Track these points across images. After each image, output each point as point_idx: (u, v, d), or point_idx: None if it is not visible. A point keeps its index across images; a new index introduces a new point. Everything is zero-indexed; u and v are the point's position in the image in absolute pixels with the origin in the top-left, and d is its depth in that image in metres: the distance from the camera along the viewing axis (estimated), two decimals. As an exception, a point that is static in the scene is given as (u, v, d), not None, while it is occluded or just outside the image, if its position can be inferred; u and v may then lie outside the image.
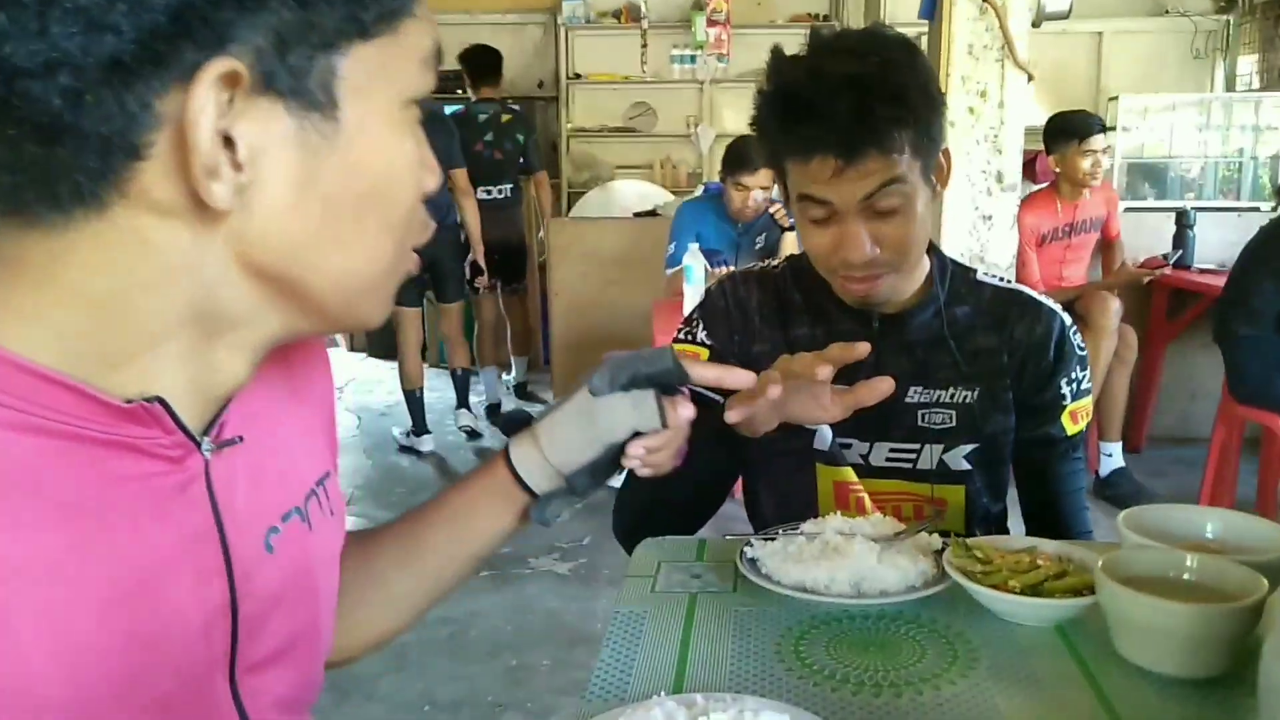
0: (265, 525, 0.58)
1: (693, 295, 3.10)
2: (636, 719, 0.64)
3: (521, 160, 4.57)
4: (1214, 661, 0.73)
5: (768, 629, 0.84)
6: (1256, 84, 5.83)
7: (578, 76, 6.26)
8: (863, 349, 0.96)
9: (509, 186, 4.55)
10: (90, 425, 0.47)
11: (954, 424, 1.16)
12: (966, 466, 1.17)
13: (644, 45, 5.81)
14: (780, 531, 0.97)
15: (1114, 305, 3.52)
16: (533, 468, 0.77)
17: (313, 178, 0.48)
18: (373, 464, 4.10)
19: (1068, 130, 3.56)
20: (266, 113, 0.46)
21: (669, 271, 3.51)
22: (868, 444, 1.17)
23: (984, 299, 1.19)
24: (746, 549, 0.94)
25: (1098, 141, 3.55)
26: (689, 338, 1.24)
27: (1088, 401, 1.21)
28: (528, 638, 2.60)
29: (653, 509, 1.16)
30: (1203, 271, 3.80)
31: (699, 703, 0.65)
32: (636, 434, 0.75)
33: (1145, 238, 4.12)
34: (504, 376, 4.95)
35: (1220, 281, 3.16)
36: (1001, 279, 1.22)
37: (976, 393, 1.16)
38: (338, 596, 0.74)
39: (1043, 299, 1.21)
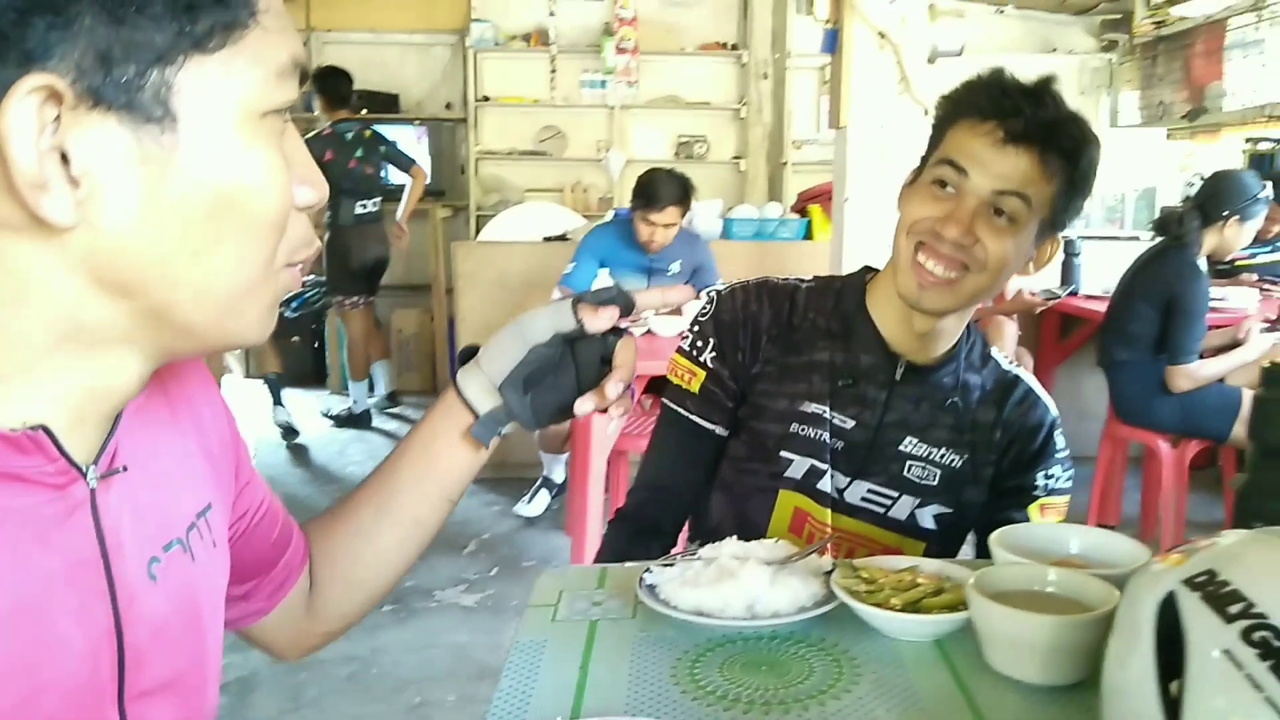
0: (148, 554, 0.58)
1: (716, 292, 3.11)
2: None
3: (390, 166, 4.93)
4: (1073, 668, 0.78)
5: (665, 653, 0.87)
6: (1138, 120, 6.19)
7: (486, 99, 6.26)
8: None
9: (379, 199, 4.85)
10: None
11: (936, 483, 1.20)
12: (933, 526, 1.21)
13: (553, 70, 5.87)
14: (679, 558, 1.00)
15: (1010, 330, 3.69)
16: (475, 388, 0.81)
17: (157, 190, 0.48)
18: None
19: None
20: (99, 127, 0.46)
21: (556, 293, 3.54)
22: (848, 479, 1.20)
23: (993, 374, 1.24)
24: (645, 575, 0.97)
25: None
26: (694, 355, 1.25)
27: (1060, 502, 1.24)
28: (432, 673, 2.56)
29: (640, 538, 1.24)
30: (1089, 298, 4.00)
31: None
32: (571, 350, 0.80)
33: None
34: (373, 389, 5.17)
35: (1104, 307, 3.33)
36: (1011, 361, 1.28)
37: (964, 459, 1.20)
38: (323, 566, 0.81)
39: (1043, 392, 1.26)
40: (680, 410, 1.26)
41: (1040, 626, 0.78)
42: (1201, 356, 2.95)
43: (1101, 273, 4.10)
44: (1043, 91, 1.11)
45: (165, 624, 0.59)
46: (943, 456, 1.20)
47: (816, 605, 0.91)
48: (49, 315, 0.49)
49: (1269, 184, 3.12)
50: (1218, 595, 0.59)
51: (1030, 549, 0.93)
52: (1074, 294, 4.04)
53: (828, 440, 1.20)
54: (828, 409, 1.20)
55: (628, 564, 1.08)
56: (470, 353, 0.83)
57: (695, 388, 1.24)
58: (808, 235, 4.21)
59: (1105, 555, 0.93)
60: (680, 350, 1.27)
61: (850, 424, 1.19)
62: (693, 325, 1.27)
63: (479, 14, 6.10)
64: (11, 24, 0.43)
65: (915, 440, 1.20)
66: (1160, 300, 2.95)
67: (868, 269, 1.26)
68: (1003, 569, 0.89)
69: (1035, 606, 0.81)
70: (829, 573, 0.96)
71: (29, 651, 0.50)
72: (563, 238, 4.31)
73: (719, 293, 1.27)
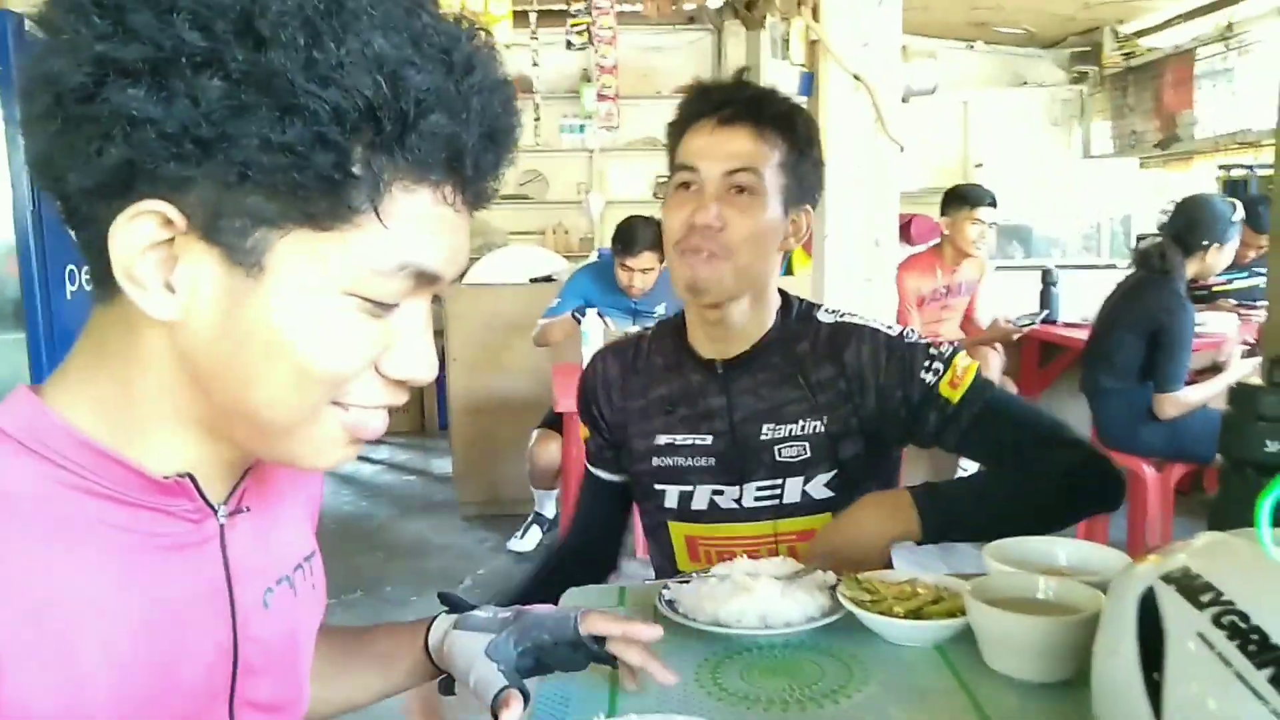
0: (264, 585, 0.68)
1: (590, 357, 3.19)
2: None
3: None
4: (1065, 666, 0.85)
5: (687, 660, 0.93)
6: (1111, 150, 6.37)
7: (471, 145, 6.37)
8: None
9: None
10: (133, 492, 0.58)
11: (809, 454, 1.24)
12: (829, 494, 1.24)
13: (536, 117, 5.99)
14: (694, 575, 1.07)
15: (996, 360, 3.79)
16: (461, 658, 0.84)
17: (231, 319, 0.54)
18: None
19: (961, 198, 3.86)
20: (201, 254, 0.53)
21: (542, 320, 3.61)
22: (738, 488, 1.26)
23: (821, 334, 1.26)
24: (664, 591, 1.03)
25: (985, 213, 3.83)
26: (585, 419, 1.38)
27: (956, 363, 1.22)
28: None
29: (561, 562, 1.35)
30: (1068, 325, 4.11)
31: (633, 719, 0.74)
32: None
33: (1013, 295, 4.45)
34: None
35: (1084, 334, 3.42)
36: (839, 313, 1.30)
37: (825, 421, 1.23)
38: None
39: (867, 322, 1.27)
40: (586, 463, 1.41)
41: (1035, 628, 0.85)
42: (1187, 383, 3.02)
43: (1079, 301, 4.22)
44: (741, 80, 1.24)
45: (271, 647, 0.68)
46: (802, 428, 1.24)
47: (824, 615, 0.98)
48: (159, 387, 0.58)
49: (1237, 204, 3.22)
50: (1191, 587, 0.66)
51: (1021, 560, 1.00)
52: (1050, 321, 4.15)
53: (690, 463, 1.27)
54: (678, 437, 1.28)
55: (646, 582, 1.14)
56: (452, 602, 0.90)
57: (585, 440, 1.40)
58: (788, 270, 4.30)
59: (1090, 564, 1.00)
60: (584, 422, 1.41)
61: (709, 439, 1.26)
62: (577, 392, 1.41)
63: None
64: (154, 160, 0.50)
65: (771, 425, 1.25)
66: (1145, 331, 3.00)
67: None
68: (997, 578, 0.96)
69: (1028, 612, 0.88)
70: (834, 586, 1.02)
71: (168, 654, 0.60)
72: (548, 279, 4.38)
73: (584, 370, 1.42)
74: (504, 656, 0.81)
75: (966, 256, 3.89)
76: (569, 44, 5.39)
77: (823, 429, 1.24)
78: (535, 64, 5.59)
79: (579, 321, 3.44)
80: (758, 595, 0.98)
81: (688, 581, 1.05)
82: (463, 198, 0.58)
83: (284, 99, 0.49)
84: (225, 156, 0.50)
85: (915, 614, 0.95)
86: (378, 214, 0.54)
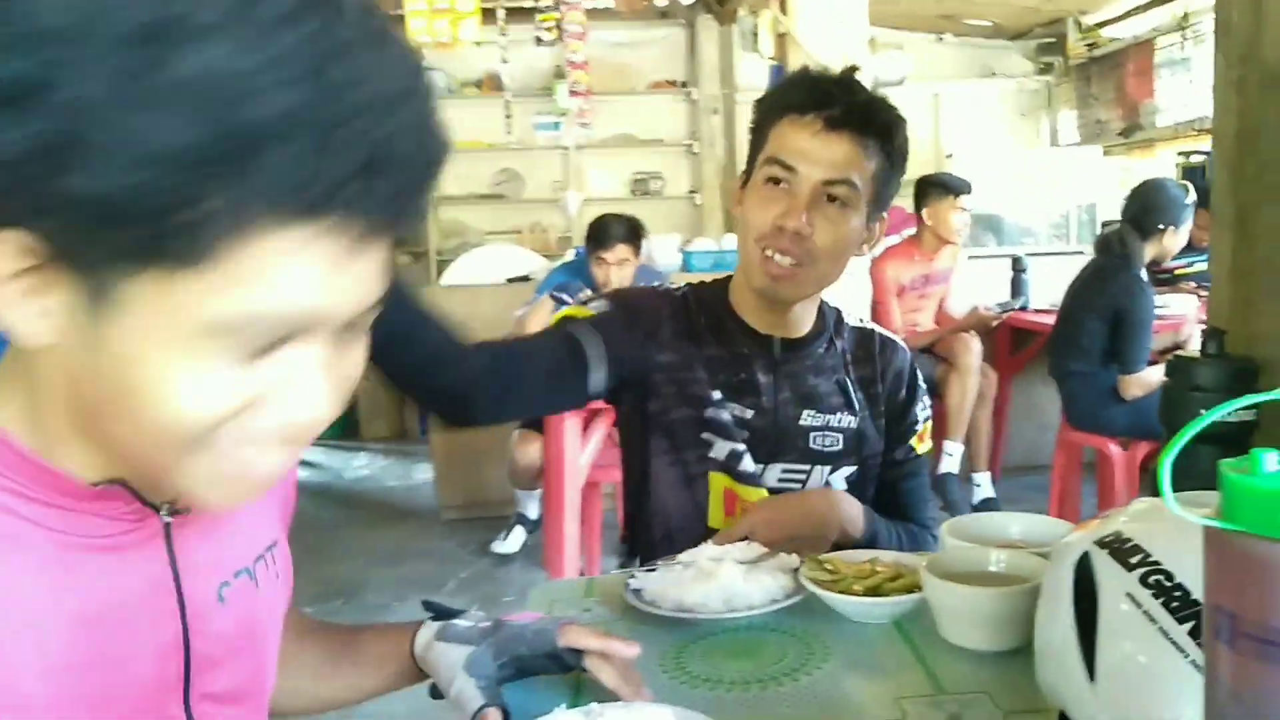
0: (219, 579, 0.68)
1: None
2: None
3: None
4: (1015, 634, 0.88)
5: (653, 647, 0.95)
6: (1077, 139, 6.45)
7: (444, 145, 6.38)
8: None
9: None
10: (66, 498, 0.58)
11: (840, 447, 1.27)
12: (844, 487, 1.27)
13: (508, 115, 6.00)
14: (659, 563, 1.09)
15: (975, 346, 3.83)
16: (444, 668, 0.85)
17: (93, 351, 0.51)
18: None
19: (943, 187, 3.87)
20: (66, 284, 0.49)
21: (519, 311, 3.58)
22: (761, 465, 1.25)
23: (853, 336, 1.33)
24: (630, 581, 1.06)
25: (967, 200, 3.87)
26: (584, 304, 1.29)
27: (927, 427, 1.36)
28: (419, 709, 2.56)
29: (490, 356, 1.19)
30: (1038, 311, 4.17)
31: (595, 709, 0.76)
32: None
33: (985, 282, 4.50)
34: None
35: (1052, 320, 3.48)
36: (859, 319, 1.37)
37: (859, 419, 1.28)
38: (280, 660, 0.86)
39: (892, 335, 1.36)
40: (562, 326, 1.25)
41: (983, 598, 0.89)
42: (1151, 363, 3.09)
43: (1049, 287, 4.27)
44: (851, 80, 1.21)
45: (231, 640, 0.68)
46: (839, 421, 1.27)
47: (787, 597, 1.00)
48: (66, 404, 0.56)
49: (1190, 187, 3.29)
50: (1122, 550, 0.69)
51: (977, 535, 1.03)
52: (1024, 308, 4.21)
53: (735, 427, 1.25)
54: (725, 400, 1.25)
55: (613, 573, 1.16)
56: (438, 610, 0.90)
57: (582, 316, 1.25)
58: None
59: (1041, 535, 1.03)
60: (561, 303, 1.33)
61: (749, 413, 1.25)
62: (589, 295, 1.34)
63: (430, 63, 6.22)
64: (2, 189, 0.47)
65: (813, 412, 1.26)
66: (1108, 314, 3.08)
67: (729, 276, 1.33)
68: (952, 553, 0.99)
69: (982, 584, 0.91)
70: (796, 569, 1.05)
71: (109, 650, 0.60)
72: (525, 279, 4.39)
73: (621, 289, 1.37)
74: (483, 671, 0.81)
75: (946, 244, 3.92)
76: (538, 40, 5.39)
77: (855, 425, 1.28)
78: (504, 60, 5.59)
79: (558, 303, 3.43)
80: (722, 579, 1.01)
81: (654, 570, 1.07)
82: (359, 231, 0.49)
83: (101, 134, 0.44)
84: (53, 194, 0.45)
85: (874, 591, 0.98)
86: (233, 253, 0.47)
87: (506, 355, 1.21)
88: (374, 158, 0.48)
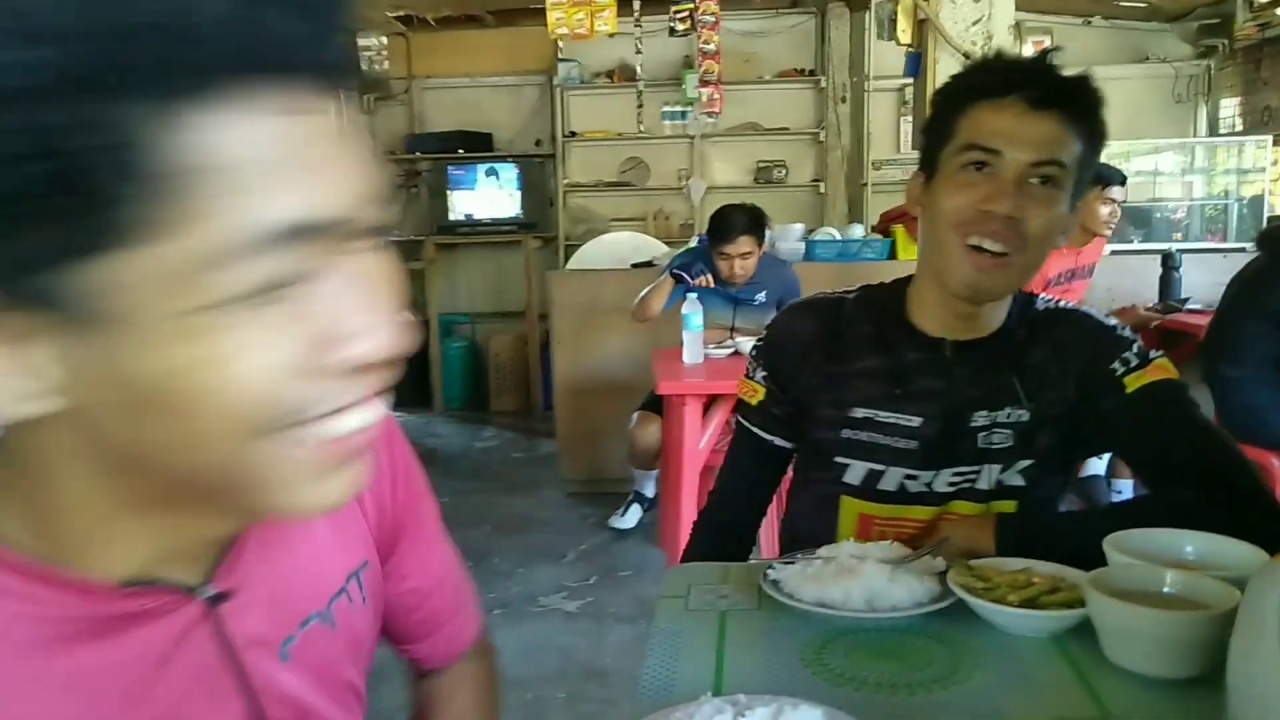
0: (282, 637, 0.62)
1: (690, 342, 3.20)
2: (687, 714, 0.72)
3: None
4: (1193, 663, 0.81)
5: (792, 641, 0.92)
6: (1239, 126, 6.02)
7: (573, 134, 6.46)
8: None
9: None
10: (92, 607, 0.51)
11: (1012, 443, 1.18)
12: (1021, 482, 1.19)
13: (639, 105, 6.01)
14: (799, 556, 1.06)
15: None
16: None
17: (107, 383, 0.43)
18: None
19: (1094, 176, 3.65)
20: (38, 324, 0.41)
21: (644, 290, 3.55)
22: (933, 473, 1.19)
23: (1038, 320, 1.22)
24: (769, 571, 1.03)
25: (1118, 191, 3.65)
26: (750, 374, 1.31)
27: (1158, 363, 1.17)
28: (541, 673, 2.66)
29: (719, 536, 1.32)
30: (1190, 312, 3.92)
31: (742, 700, 0.74)
32: None
33: (1129, 279, 4.26)
34: None
35: (1205, 321, 3.27)
36: (1054, 300, 1.25)
37: (1031, 409, 1.18)
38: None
39: (1080, 307, 1.24)
40: (744, 423, 1.32)
41: (1166, 621, 0.82)
42: None
43: (1203, 286, 4.01)
44: (1047, 62, 1.12)
45: (303, 695, 0.63)
46: (1009, 415, 1.18)
47: (934, 601, 0.95)
48: (86, 487, 0.48)
49: None
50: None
51: (1144, 552, 0.95)
52: (1173, 307, 3.97)
53: (887, 442, 1.19)
54: (880, 412, 1.20)
55: (751, 562, 1.14)
56: None
57: (755, 403, 1.30)
58: (892, 255, 4.21)
59: (1221, 558, 0.94)
60: (745, 373, 1.33)
61: (916, 421, 1.19)
62: (752, 349, 1.33)
63: (565, 54, 6.30)
64: None
65: (984, 412, 1.18)
66: (1273, 317, 2.86)
67: (910, 277, 1.26)
68: (1117, 570, 0.92)
69: (1153, 606, 0.84)
70: (943, 573, 1.00)
71: None
72: (649, 264, 4.41)
73: (772, 321, 1.33)
74: None
75: (1095, 237, 3.72)
76: (672, 30, 5.37)
77: (1028, 417, 1.18)
78: (639, 51, 5.59)
79: (678, 280, 3.41)
80: (864, 578, 0.97)
81: (792, 562, 1.04)
82: (309, 92, 0.42)
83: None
84: None
85: (1030, 603, 0.92)
86: (195, 169, 0.39)
87: (740, 500, 1.35)
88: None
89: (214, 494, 0.48)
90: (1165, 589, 0.88)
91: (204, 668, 0.56)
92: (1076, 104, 1.10)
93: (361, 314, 0.45)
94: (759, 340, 1.32)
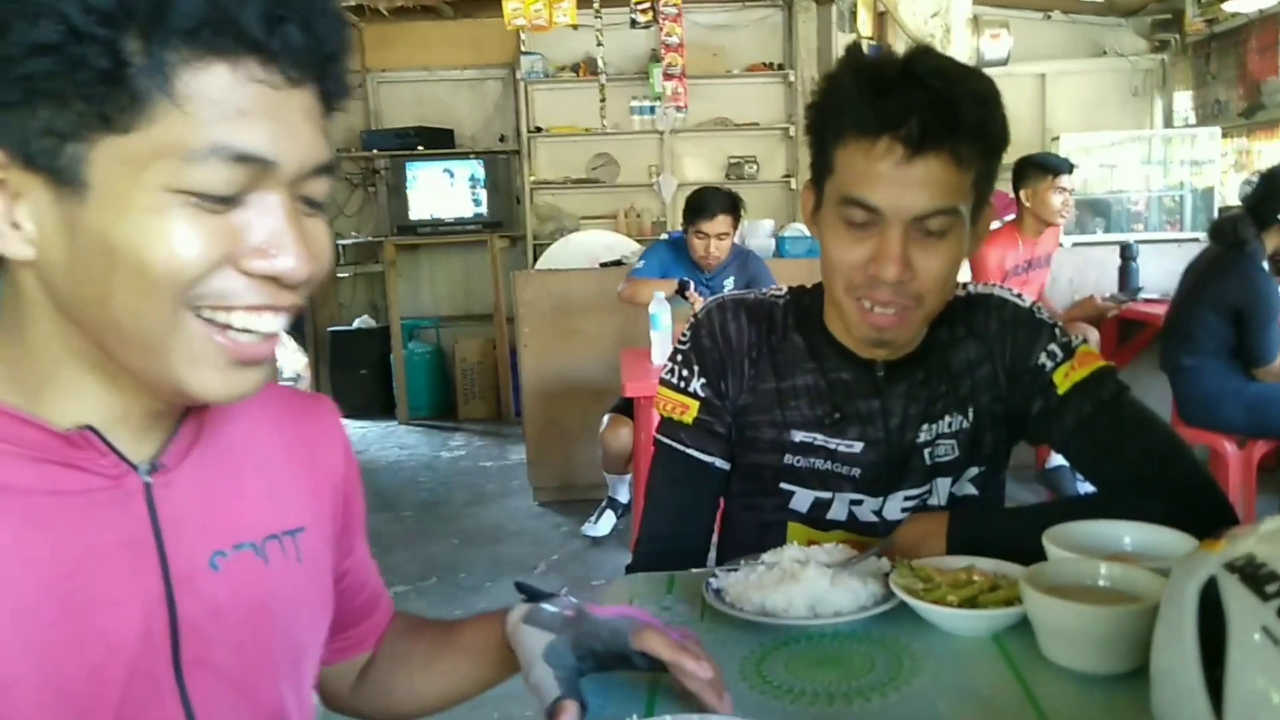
0: (211, 547, 0.68)
1: (659, 342, 3.20)
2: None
3: None
4: (1127, 657, 0.81)
5: (733, 652, 0.92)
6: (1192, 119, 6.10)
7: (539, 130, 6.40)
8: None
9: None
10: (37, 448, 0.60)
11: (958, 453, 1.13)
12: (974, 490, 1.16)
13: (603, 99, 5.99)
14: (742, 562, 1.05)
15: (1093, 337, 3.68)
16: (529, 651, 0.82)
17: (71, 242, 0.56)
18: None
19: (1042, 167, 3.68)
20: (32, 184, 0.56)
21: (628, 278, 3.64)
22: (881, 499, 1.14)
23: (956, 313, 1.14)
24: (711, 580, 1.02)
25: (1067, 180, 3.69)
26: (681, 386, 1.17)
27: (1079, 352, 1.12)
28: (507, 691, 2.60)
29: (664, 556, 1.17)
30: (1148, 301, 3.97)
31: None
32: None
33: (1091, 270, 4.30)
34: None
35: (1163, 310, 3.31)
36: (965, 285, 1.17)
37: (971, 413, 1.13)
38: (389, 660, 0.91)
39: (995, 290, 1.16)
40: (676, 445, 1.17)
41: (1094, 617, 0.82)
42: None
43: (1161, 275, 4.06)
44: (924, 70, 0.96)
45: (225, 611, 0.68)
46: (949, 425, 1.13)
47: (876, 604, 0.95)
48: (47, 331, 0.60)
49: None
50: (1256, 576, 0.63)
51: (1082, 545, 0.96)
52: (1139, 299, 4.01)
53: (831, 468, 1.14)
54: (819, 436, 1.13)
55: (694, 570, 1.13)
56: (529, 591, 0.87)
57: (689, 419, 1.16)
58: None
59: (1156, 549, 0.95)
60: (664, 381, 1.19)
61: (857, 446, 1.13)
62: (674, 354, 1.19)
63: (528, 47, 6.25)
64: None
65: (927, 425, 1.13)
66: (1227, 308, 2.92)
67: None
68: (1055, 564, 0.92)
69: (1088, 600, 0.85)
70: (887, 574, 1.00)
71: (85, 602, 0.61)
72: (619, 263, 4.40)
73: (696, 317, 1.19)
74: (561, 661, 0.78)
75: (1049, 226, 3.75)
76: (633, 23, 5.35)
77: (969, 423, 1.13)
78: (600, 44, 5.56)
79: (680, 290, 3.40)
80: (807, 583, 0.96)
81: (736, 569, 1.04)
82: (280, 75, 0.57)
83: (27, 3, 0.51)
84: (2, 76, 0.52)
85: (970, 602, 0.92)
86: (171, 99, 0.53)
87: (681, 535, 1.20)
88: None
89: (129, 349, 0.58)
90: (1100, 582, 0.89)
91: (131, 538, 0.63)
92: (963, 133, 0.96)
93: (278, 240, 0.58)
94: (683, 343, 1.18)
